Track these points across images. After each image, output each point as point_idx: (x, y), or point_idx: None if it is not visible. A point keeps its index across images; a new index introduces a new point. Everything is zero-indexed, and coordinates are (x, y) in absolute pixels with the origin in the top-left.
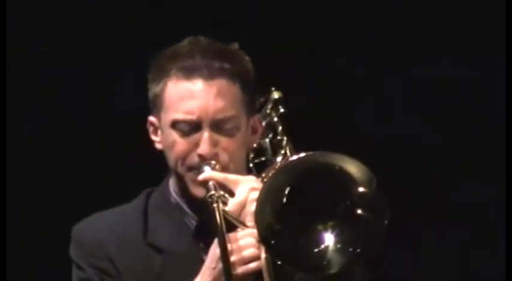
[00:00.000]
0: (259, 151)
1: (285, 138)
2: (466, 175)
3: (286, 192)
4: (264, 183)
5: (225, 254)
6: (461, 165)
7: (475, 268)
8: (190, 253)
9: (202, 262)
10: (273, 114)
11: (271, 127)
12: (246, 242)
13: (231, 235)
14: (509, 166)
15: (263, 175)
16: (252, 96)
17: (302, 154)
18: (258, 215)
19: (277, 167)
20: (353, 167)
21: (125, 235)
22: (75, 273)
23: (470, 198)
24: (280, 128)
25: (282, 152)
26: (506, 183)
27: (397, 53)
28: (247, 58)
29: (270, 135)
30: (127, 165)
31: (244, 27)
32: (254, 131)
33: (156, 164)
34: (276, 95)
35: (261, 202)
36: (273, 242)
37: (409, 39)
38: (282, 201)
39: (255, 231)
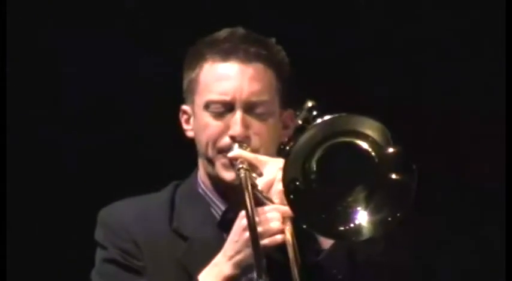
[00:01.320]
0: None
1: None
2: None
3: (316, 158)
4: (293, 144)
5: (252, 226)
6: None
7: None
8: (214, 242)
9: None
10: (309, 119)
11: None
12: (271, 216)
13: (257, 209)
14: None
15: (291, 144)
16: (287, 88)
17: (327, 117)
18: (287, 167)
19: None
20: (370, 129)
21: (150, 220)
22: (99, 253)
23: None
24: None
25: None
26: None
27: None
28: (284, 53)
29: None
30: (123, 165)
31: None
32: (285, 125)
33: (186, 160)
34: (309, 103)
35: (292, 158)
36: (292, 197)
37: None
38: (311, 167)
39: (280, 206)
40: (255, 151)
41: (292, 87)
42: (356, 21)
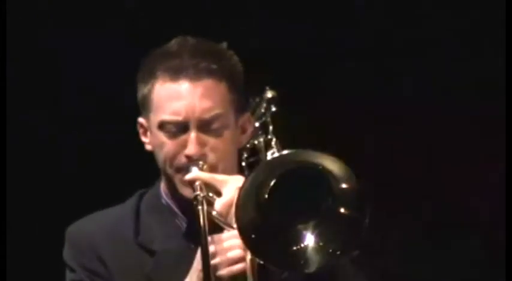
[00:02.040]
0: (253, 151)
1: (274, 138)
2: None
3: (269, 189)
4: (246, 179)
5: (205, 257)
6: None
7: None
8: (182, 254)
9: (192, 262)
10: (267, 114)
11: (264, 127)
12: (231, 243)
13: (217, 237)
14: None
15: (243, 181)
16: (241, 95)
17: (284, 152)
18: (240, 209)
19: (259, 164)
20: (332, 164)
21: (117, 236)
22: (68, 275)
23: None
24: (271, 127)
25: (271, 151)
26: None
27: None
28: (235, 58)
29: (264, 136)
30: (123, 165)
31: (241, 24)
32: (243, 130)
33: (151, 165)
34: (269, 94)
35: (243, 197)
36: (253, 236)
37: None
38: (264, 197)
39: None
40: (213, 167)
41: (250, 90)
42: (356, 21)
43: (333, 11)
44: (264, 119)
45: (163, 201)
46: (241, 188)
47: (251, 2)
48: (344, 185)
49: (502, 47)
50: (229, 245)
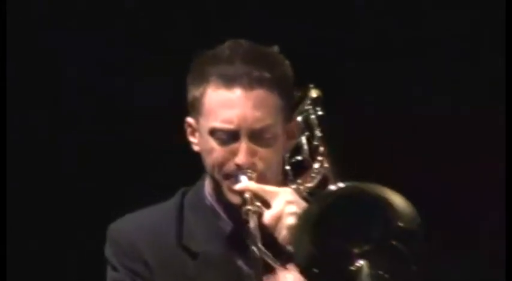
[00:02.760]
0: (296, 150)
1: (322, 144)
2: None
3: (323, 218)
4: (300, 214)
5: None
6: None
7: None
8: (224, 258)
9: (235, 267)
10: (311, 112)
11: (307, 125)
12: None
13: (272, 277)
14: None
15: (298, 181)
16: (290, 101)
17: (341, 185)
18: (297, 247)
19: (314, 196)
20: (398, 202)
21: (159, 236)
22: (110, 273)
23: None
24: (317, 131)
25: (319, 158)
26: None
27: None
28: (287, 63)
29: (307, 133)
30: (122, 166)
31: (241, 24)
32: (291, 136)
33: (192, 162)
34: (314, 93)
35: (297, 233)
36: (313, 271)
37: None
38: (319, 228)
39: (294, 274)
40: (261, 175)
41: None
42: (356, 21)
43: (332, 11)
44: (306, 115)
45: (207, 202)
46: (296, 222)
47: (251, 2)
48: (402, 224)
49: (502, 47)
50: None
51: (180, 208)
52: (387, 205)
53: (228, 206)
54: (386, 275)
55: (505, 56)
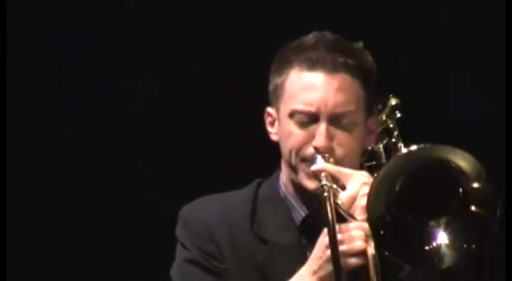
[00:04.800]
0: (372, 155)
1: (400, 142)
2: None
3: (399, 185)
4: (377, 174)
5: (334, 243)
6: None
7: None
8: (294, 247)
9: (305, 257)
10: (389, 121)
11: (386, 133)
12: (355, 234)
13: (341, 226)
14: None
15: (376, 174)
16: (373, 95)
17: (413, 147)
18: (371, 204)
19: (391, 158)
20: (463, 161)
21: (232, 221)
22: (180, 252)
23: None
24: (396, 132)
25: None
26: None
27: None
28: (371, 58)
29: (385, 141)
30: (122, 166)
31: (241, 23)
32: (370, 131)
33: (269, 156)
34: (393, 101)
35: (374, 192)
36: (382, 233)
37: None
38: (394, 194)
39: (364, 224)
40: (339, 162)
41: (377, 91)
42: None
43: (332, 11)
44: (385, 125)
45: (282, 193)
46: (373, 181)
47: (250, 2)
48: (475, 184)
49: (502, 47)
50: (354, 235)
51: (254, 199)
52: (455, 167)
53: (301, 197)
54: (466, 245)
55: (505, 56)
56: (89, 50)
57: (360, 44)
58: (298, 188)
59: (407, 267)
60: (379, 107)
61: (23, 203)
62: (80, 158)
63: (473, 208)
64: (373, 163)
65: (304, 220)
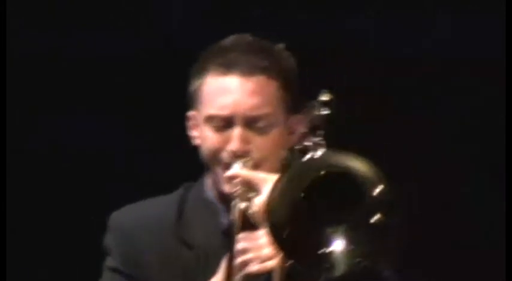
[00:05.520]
0: (304, 152)
1: (323, 142)
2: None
3: (302, 190)
4: (280, 177)
5: (231, 257)
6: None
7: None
8: (220, 252)
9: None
10: (319, 116)
11: (315, 129)
12: (262, 242)
13: (251, 234)
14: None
15: (276, 180)
16: (293, 95)
17: (317, 154)
18: (272, 207)
19: (293, 164)
20: (365, 168)
21: (159, 226)
22: (106, 260)
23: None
24: (320, 131)
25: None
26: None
27: None
28: (291, 58)
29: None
30: (121, 167)
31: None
32: (292, 130)
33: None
34: (324, 97)
35: (276, 195)
36: (284, 236)
37: None
38: (297, 198)
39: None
40: (257, 165)
41: (301, 91)
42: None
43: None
44: (315, 120)
45: (208, 197)
46: (274, 187)
47: (252, 1)
48: (376, 191)
49: (502, 46)
50: (262, 243)
51: (182, 202)
52: (357, 176)
53: (225, 200)
54: (364, 252)
55: (505, 56)
56: (88, 50)
57: (281, 46)
58: (220, 191)
59: (322, 277)
60: (312, 102)
61: (23, 203)
62: (81, 158)
63: (373, 217)
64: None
65: (230, 224)
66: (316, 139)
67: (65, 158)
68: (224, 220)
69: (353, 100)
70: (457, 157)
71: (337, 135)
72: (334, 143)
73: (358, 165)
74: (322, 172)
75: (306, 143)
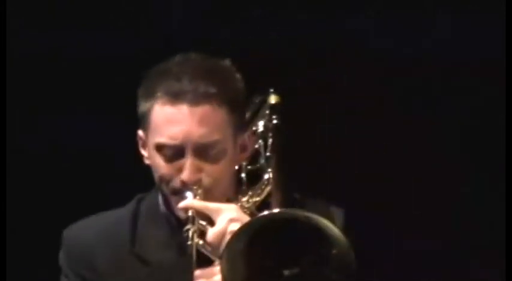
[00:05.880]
0: (253, 157)
1: (274, 155)
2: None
3: (254, 241)
4: (233, 235)
5: None
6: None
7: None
8: (176, 266)
9: (188, 275)
10: (269, 120)
11: (264, 133)
12: (217, 279)
13: (206, 270)
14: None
15: (249, 193)
16: (241, 115)
17: (277, 210)
18: (228, 265)
19: (250, 220)
20: (334, 232)
21: (113, 242)
22: (62, 279)
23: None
24: (270, 140)
25: (269, 169)
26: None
27: None
28: (238, 76)
29: (262, 141)
30: (120, 168)
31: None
32: (243, 148)
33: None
34: (273, 99)
35: (229, 252)
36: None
37: None
38: (250, 251)
39: None
40: (207, 191)
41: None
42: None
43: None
44: (265, 122)
45: (162, 209)
46: (227, 245)
47: (250, 1)
48: (334, 251)
49: (502, 46)
50: (217, 280)
51: (135, 215)
52: (322, 233)
53: (178, 219)
54: None
55: (505, 56)
56: (88, 50)
57: (227, 62)
58: (174, 214)
59: None
60: (257, 100)
61: (23, 203)
62: (80, 159)
63: (327, 270)
64: (257, 165)
65: (185, 237)
66: (268, 154)
67: (65, 158)
68: (179, 234)
69: (353, 100)
70: (457, 157)
71: (337, 135)
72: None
73: (325, 224)
74: (281, 226)
75: (257, 146)
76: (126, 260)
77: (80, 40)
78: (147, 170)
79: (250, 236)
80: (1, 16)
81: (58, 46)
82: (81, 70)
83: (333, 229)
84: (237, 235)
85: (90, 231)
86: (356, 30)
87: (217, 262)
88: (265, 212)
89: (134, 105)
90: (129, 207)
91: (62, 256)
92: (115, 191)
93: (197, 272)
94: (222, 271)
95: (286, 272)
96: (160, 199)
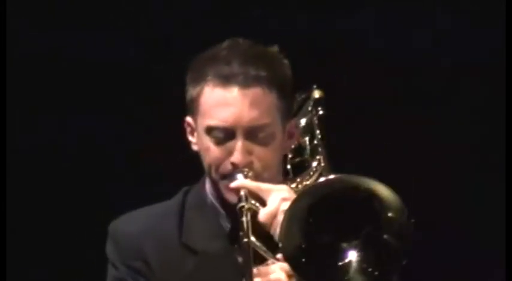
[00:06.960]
0: (298, 150)
1: (321, 143)
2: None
3: (313, 211)
4: (289, 206)
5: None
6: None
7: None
8: (224, 255)
9: (235, 264)
10: (313, 113)
11: (310, 127)
12: (274, 277)
13: (263, 269)
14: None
15: (298, 179)
16: (289, 101)
17: (332, 176)
18: (284, 237)
19: (302, 190)
20: (386, 193)
21: (160, 234)
22: (110, 271)
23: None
24: (317, 131)
25: (318, 157)
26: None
27: None
28: (286, 62)
29: (309, 134)
30: (120, 168)
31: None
32: (290, 135)
33: (196, 162)
34: (316, 94)
35: (287, 222)
36: (301, 262)
37: None
38: (308, 220)
39: (283, 265)
40: (258, 175)
41: (297, 89)
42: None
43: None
44: (309, 117)
45: (209, 200)
46: (285, 214)
47: (250, 1)
48: (391, 215)
49: (502, 47)
50: (273, 278)
51: (182, 207)
52: (375, 196)
53: (227, 204)
54: (375, 271)
55: (505, 57)
56: (88, 50)
57: (275, 48)
58: (225, 200)
59: None
60: (302, 96)
61: (23, 203)
62: (80, 159)
63: (385, 236)
64: (301, 158)
65: (233, 228)
66: (315, 142)
67: (65, 158)
68: (226, 224)
69: (353, 100)
70: (457, 156)
71: (336, 135)
72: (333, 144)
73: (379, 188)
74: (336, 191)
75: (302, 140)
76: (175, 250)
77: (80, 40)
78: (147, 170)
79: (309, 205)
80: (1, 16)
81: (58, 46)
82: (81, 70)
83: (385, 191)
84: (297, 200)
85: (137, 223)
86: (356, 30)
87: (270, 261)
88: (320, 179)
89: (134, 105)
90: (176, 199)
91: (109, 248)
92: (115, 191)
93: (255, 270)
94: (280, 237)
95: (344, 245)
96: (207, 188)
